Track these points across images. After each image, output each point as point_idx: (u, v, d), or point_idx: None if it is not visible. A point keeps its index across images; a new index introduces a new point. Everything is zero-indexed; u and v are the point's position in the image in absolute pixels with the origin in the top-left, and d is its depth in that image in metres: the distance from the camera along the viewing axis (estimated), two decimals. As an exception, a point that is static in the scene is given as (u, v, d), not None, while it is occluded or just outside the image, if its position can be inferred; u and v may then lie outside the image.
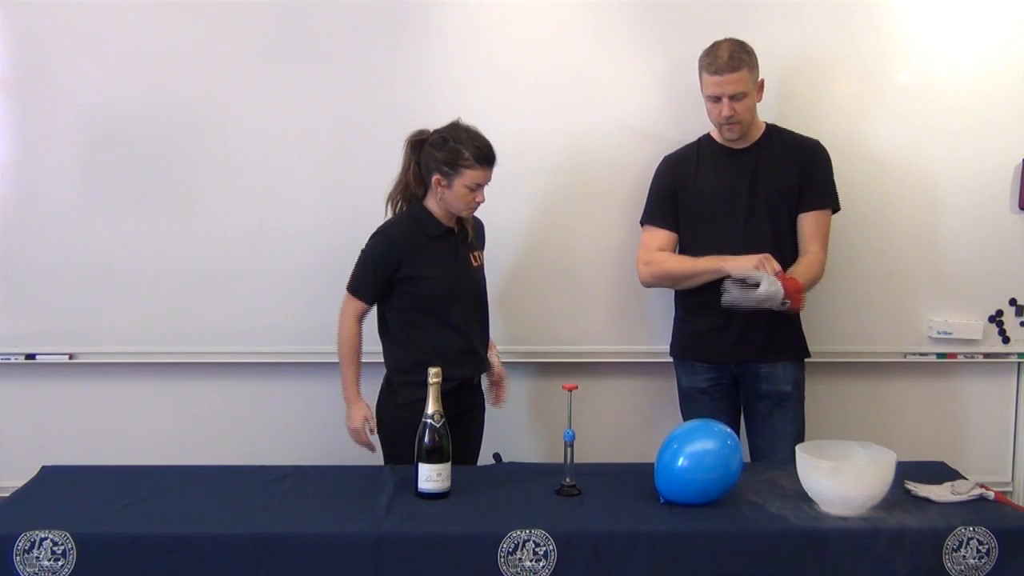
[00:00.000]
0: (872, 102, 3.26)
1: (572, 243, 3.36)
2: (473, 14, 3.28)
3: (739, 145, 3.06)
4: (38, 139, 3.25)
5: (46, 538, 2.17)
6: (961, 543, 2.25)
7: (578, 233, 3.36)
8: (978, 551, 2.25)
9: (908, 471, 2.52)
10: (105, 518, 2.29)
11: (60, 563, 2.17)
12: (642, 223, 3.17)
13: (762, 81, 3.01)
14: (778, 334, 3.03)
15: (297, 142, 3.27)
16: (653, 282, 3.14)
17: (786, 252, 3.01)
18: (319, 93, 3.25)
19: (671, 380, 3.43)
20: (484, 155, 2.78)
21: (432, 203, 2.86)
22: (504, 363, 3.25)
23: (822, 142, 3.10)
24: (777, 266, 2.85)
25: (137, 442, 3.33)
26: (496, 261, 3.23)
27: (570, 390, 2.49)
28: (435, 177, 2.80)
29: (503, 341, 3.27)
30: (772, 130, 3.08)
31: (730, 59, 2.91)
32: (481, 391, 3.03)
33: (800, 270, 2.97)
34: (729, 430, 2.41)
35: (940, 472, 2.65)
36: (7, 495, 2.51)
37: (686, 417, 3.14)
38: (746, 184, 3.02)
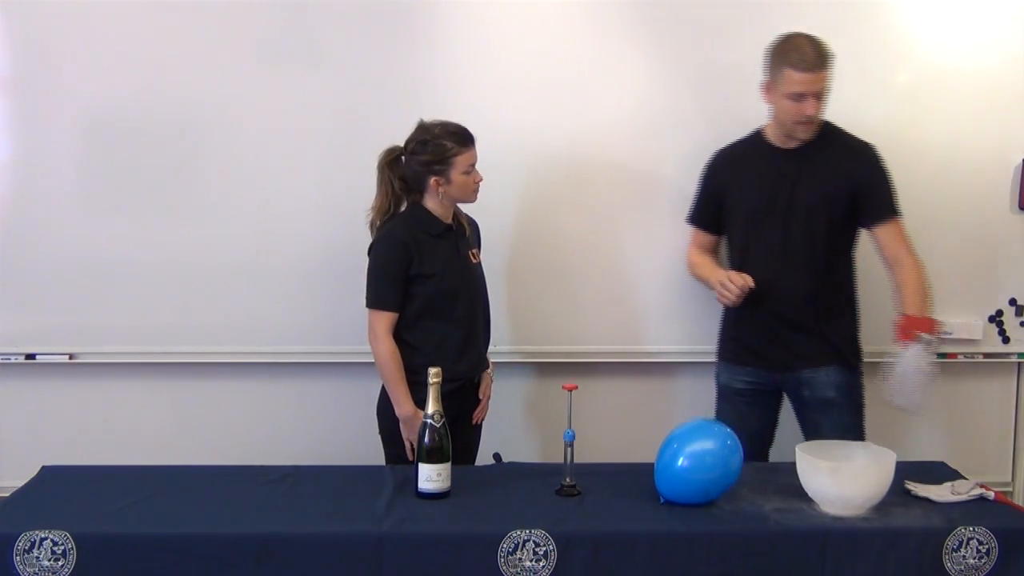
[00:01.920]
0: (872, 102, 3.26)
1: (572, 243, 3.36)
2: (473, 15, 3.28)
3: (788, 145, 2.97)
4: (38, 139, 3.25)
5: (46, 538, 2.17)
6: (961, 543, 2.25)
7: (578, 233, 3.36)
8: (978, 551, 2.25)
9: (908, 471, 2.52)
10: (105, 518, 2.29)
11: (60, 563, 2.17)
12: (688, 221, 3.18)
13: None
14: (822, 340, 2.96)
15: (297, 142, 3.26)
16: (694, 276, 3.18)
17: (819, 259, 2.95)
18: (319, 93, 3.25)
19: (671, 380, 3.44)
20: (464, 137, 2.81)
21: (431, 202, 2.86)
22: (504, 363, 3.26)
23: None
24: (741, 280, 2.85)
25: (137, 442, 3.33)
26: (496, 261, 3.24)
27: (570, 390, 2.49)
28: (431, 180, 2.81)
29: (503, 341, 3.28)
30: (827, 129, 2.97)
31: (819, 56, 2.82)
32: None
33: (909, 291, 2.90)
34: (729, 430, 2.41)
35: (940, 472, 2.65)
36: (7, 495, 2.51)
37: (718, 415, 3.08)
38: (788, 187, 2.95)
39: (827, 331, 2.97)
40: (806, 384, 2.99)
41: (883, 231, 2.96)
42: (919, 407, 2.83)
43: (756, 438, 2.99)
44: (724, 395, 3.14)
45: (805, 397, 3.01)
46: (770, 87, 2.93)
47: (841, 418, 2.98)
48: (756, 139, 3.06)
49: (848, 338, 3.03)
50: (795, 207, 2.93)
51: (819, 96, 2.86)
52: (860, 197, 2.95)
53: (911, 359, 2.77)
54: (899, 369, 2.78)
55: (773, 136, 3.01)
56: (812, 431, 2.99)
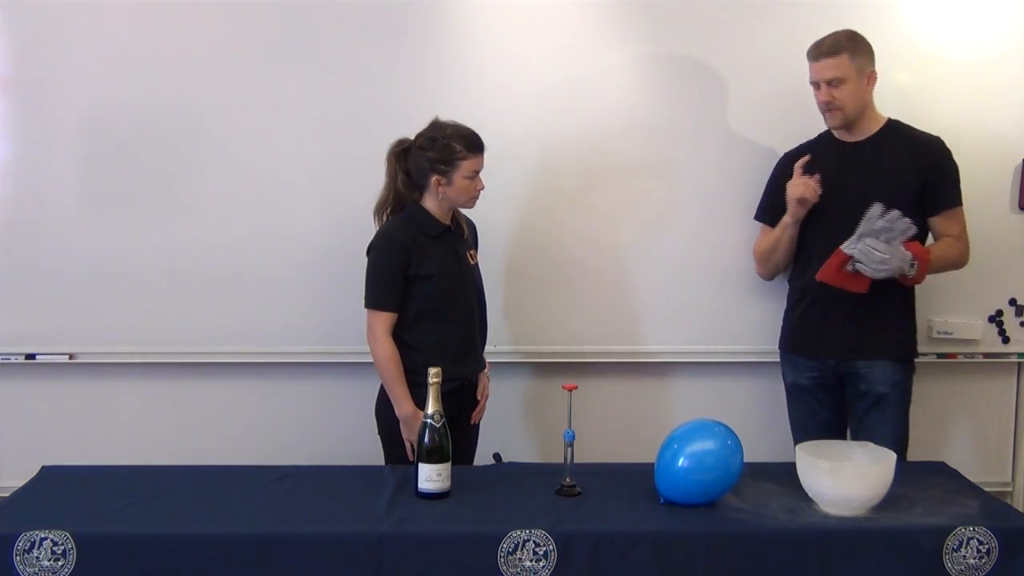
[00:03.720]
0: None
1: (571, 243, 3.36)
2: (472, 15, 3.28)
3: (854, 139, 3.01)
4: (38, 139, 3.24)
5: (46, 538, 2.17)
6: (961, 543, 2.25)
7: (577, 233, 3.35)
8: (978, 551, 2.25)
9: (908, 471, 2.52)
10: (105, 518, 2.29)
11: (60, 563, 2.17)
12: (756, 218, 3.20)
13: (872, 73, 2.96)
14: (879, 333, 2.99)
15: (298, 143, 3.26)
16: (764, 272, 3.21)
17: None
18: (320, 94, 3.25)
19: (670, 380, 3.44)
20: (474, 143, 2.81)
21: (430, 203, 2.86)
22: (503, 363, 3.26)
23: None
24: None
25: (137, 442, 3.32)
26: (495, 261, 3.24)
27: (570, 390, 2.49)
28: (433, 178, 2.81)
29: (502, 341, 3.28)
30: (892, 125, 3.03)
31: (829, 45, 2.92)
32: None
33: (935, 246, 2.97)
34: (729, 429, 2.41)
35: (940, 472, 2.65)
36: (7, 495, 2.52)
37: (791, 414, 3.16)
38: (856, 181, 2.97)
39: (890, 324, 3.00)
40: (863, 377, 3.01)
41: (937, 220, 3.00)
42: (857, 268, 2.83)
43: (829, 431, 3.02)
44: (793, 393, 3.16)
45: (860, 390, 3.03)
46: None
47: (893, 413, 3.00)
48: (824, 136, 3.10)
49: (905, 334, 3.06)
50: (861, 200, 2.90)
51: (831, 83, 2.91)
52: (926, 189, 2.98)
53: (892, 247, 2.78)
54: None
55: (839, 132, 3.05)
56: (858, 425, 3.02)
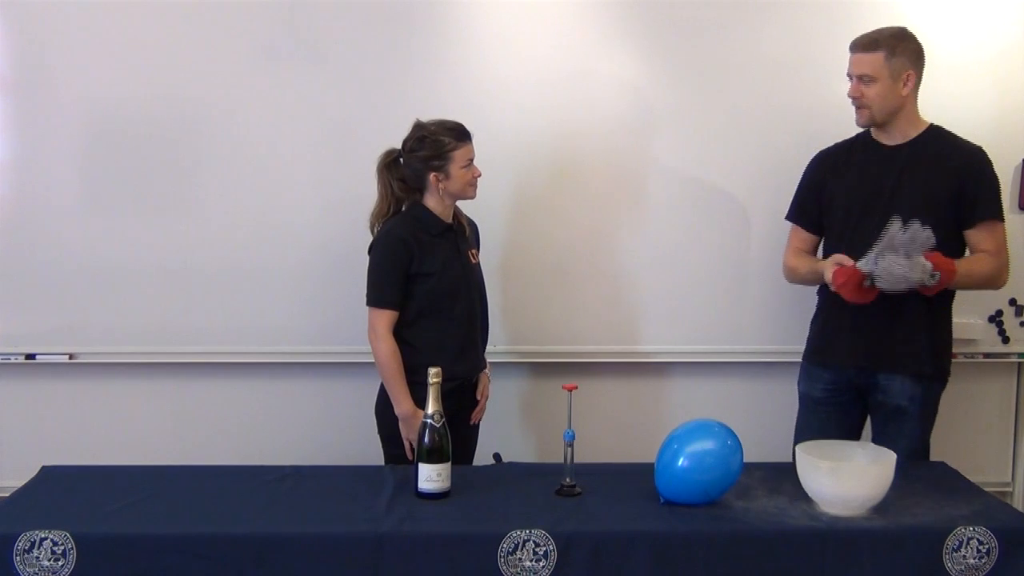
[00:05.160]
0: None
1: (570, 243, 3.36)
2: (474, 14, 3.28)
3: (892, 142, 2.91)
4: (38, 139, 3.24)
5: (46, 538, 2.17)
6: (961, 543, 2.25)
7: (576, 233, 3.36)
8: (978, 551, 2.25)
9: (908, 471, 2.52)
10: (105, 518, 2.29)
11: (60, 563, 2.17)
12: (787, 218, 3.09)
13: (909, 74, 2.84)
14: (899, 346, 2.87)
15: (298, 142, 3.27)
16: (791, 281, 3.09)
17: None
18: (320, 93, 3.25)
19: (670, 380, 3.44)
20: (461, 132, 2.82)
21: (432, 201, 2.87)
22: (503, 363, 3.26)
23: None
24: (848, 260, 2.75)
25: (137, 442, 3.33)
26: (494, 261, 3.24)
27: (570, 390, 2.49)
28: (431, 176, 2.81)
29: (502, 341, 3.28)
30: (933, 131, 2.91)
31: (867, 40, 2.83)
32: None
33: (965, 260, 2.83)
34: (729, 430, 2.40)
35: (940, 472, 2.65)
36: (7, 495, 2.52)
37: (798, 422, 3.06)
38: (890, 185, 2.87)
39: (910, 337, 2.87)
40: (882, 390, 2.91)
41: (976, 231, 2.86)
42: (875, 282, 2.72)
43: None
44: (804, 403, 3.07)
45: (878, 401, 2.94)
46: None
47: (911, 426, 2.90)
48: (862, 136, 2.99)
49: (927, 349, 2.90)
50: (897, 204, 2.82)
51: (862, 79, 2.84)
52: (963, 200, 2.86)
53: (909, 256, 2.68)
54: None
55: (875, 133, 2.96)
56: (877, 436, 2.93)
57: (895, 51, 2.83)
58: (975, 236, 2.87)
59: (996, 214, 2.88)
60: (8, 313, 3.27)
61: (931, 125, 2.93)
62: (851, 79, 2.87)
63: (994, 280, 2.91)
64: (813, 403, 3.03)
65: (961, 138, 2.93)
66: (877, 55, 2.82)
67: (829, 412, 3.00)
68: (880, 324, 2.86)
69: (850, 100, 2.88)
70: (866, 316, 2.84)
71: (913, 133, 2.91)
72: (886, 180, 2.89)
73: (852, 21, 3.12)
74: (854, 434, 3.00)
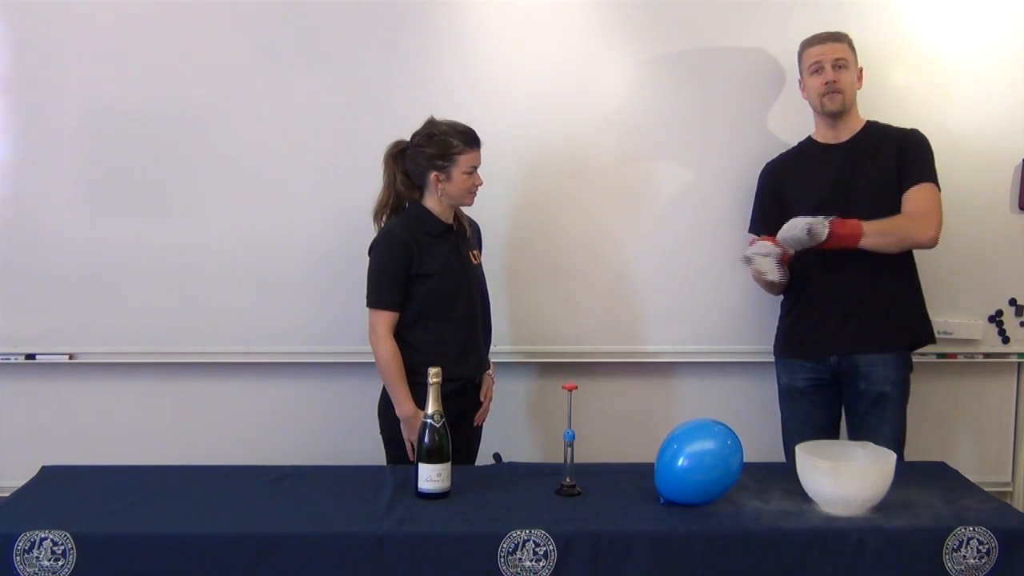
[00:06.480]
0: (871, 102, 3.25)
1: (571, 243, 3.36)
2: (471, 16, 3.28)
3: (837, 140, 3.05)
4: (38, 139, 3.25)
5: (46, 538, 2.17)
6: (961, 543, 2.25)
7: (577, 233, 3.36)
8: (978, 551, 2.25)
9: (908, 471, 2.52)
10: (105, 518, 2.29)
11: (60, 563, 2.17)
12: (750, 231, 3.18)
13: (861, 69, 3.04)
14: (882, 321, 2.99)
15: (298, 142, 3.26)
16: (768, 291, 3.15)
17: None
18: (320, 93, 3.25)
19: (670, 380, 3.44)
20: (471, 137, 2.83)
21: (431, 201, 2.87)
22: (504, 363, 3.26)
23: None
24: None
25: (137, 442, 3.33)
26: (496, 261, 3.24)
27: (570, 390, 2.49)
28: (432, 175, 2.81)
29: (503, 341, 3.28)
30: (871, 126, 3.07)
31: (830, 33, 3.01)
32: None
33: (884, 220, 2.92)
34: (729, 429, 2.40)
35: (940, 472, 2.65)
36: (7, 495, 2.51)
37: (785, 417, 3.15)
38: (844, 180, 3.00)
39: (894, 311, 3.00)
40: (864, 376, 3.00)
41: (906, 196, 2.96)
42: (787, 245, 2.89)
43: (823, 434, 3.00)
44: (788, 395, 3.15)
45: (860, 389, 3.02)
46: (801, 79, 3.09)
47: (893, 411, 2.99)
48: (806, 143, 3.14)
49: (905, 322, 3.04)
50: (855, 197, 2.96)
51: (836, 65, 2.97)
52: (900, 170, 2.98)
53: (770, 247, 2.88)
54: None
55: (820, 135, 3.10)
56: (859, 424, 3.02)
57: (851, 46, 3.03)
58: (904, 200, 2.96)
59: (924, 177, 2.97)
60: (8, 313, 3.27)
61: (868, 121, 3.08)
62: (816, 71, 3.01)
63: (911, 235, 2.94)
64: (797, 393, 3.11)
65: (895, 126, 3.07)
66: (843, 45, 3.02)
67: (815, 401, 3.09)
68: (856, 308, 2.98)
69: (822, 89, 2.99)
70: (841, 303, 2.99)
71: (856, 128, 3.07)
72: (840, 177, 3.02)
73: (852, 21, 3.13)
74: (838, 418, 3.12)
